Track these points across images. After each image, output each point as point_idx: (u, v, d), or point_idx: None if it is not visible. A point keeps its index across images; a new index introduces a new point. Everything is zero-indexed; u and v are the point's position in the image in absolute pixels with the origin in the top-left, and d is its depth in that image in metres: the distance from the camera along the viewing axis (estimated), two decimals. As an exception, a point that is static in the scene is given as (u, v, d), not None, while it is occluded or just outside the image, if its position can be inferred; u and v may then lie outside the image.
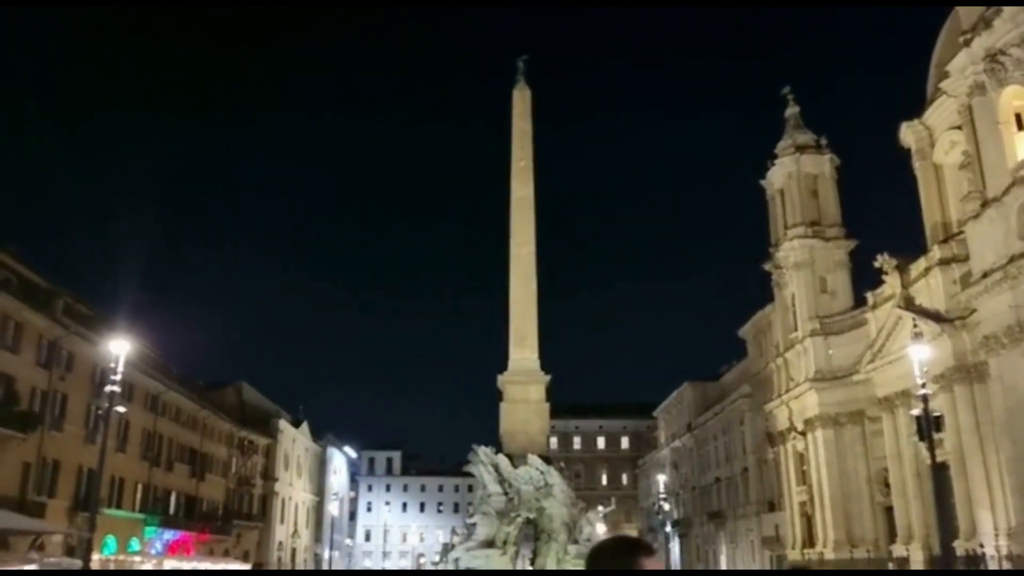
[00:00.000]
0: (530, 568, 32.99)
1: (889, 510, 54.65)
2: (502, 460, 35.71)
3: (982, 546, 42.10)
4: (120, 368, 23.96)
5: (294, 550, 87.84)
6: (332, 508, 74.36)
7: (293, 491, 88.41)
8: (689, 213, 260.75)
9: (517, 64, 44.64)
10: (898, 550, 50.84)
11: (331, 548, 78.36)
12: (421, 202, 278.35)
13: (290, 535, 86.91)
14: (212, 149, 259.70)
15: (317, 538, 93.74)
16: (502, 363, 39.41)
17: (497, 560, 32.37)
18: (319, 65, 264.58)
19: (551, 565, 32.89)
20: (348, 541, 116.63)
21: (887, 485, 54.61)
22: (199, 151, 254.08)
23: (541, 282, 40.85)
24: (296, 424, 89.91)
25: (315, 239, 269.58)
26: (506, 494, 34.65)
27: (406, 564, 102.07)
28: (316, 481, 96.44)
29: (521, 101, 44.03)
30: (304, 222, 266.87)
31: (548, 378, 38.83)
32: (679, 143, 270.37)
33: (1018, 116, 40.50)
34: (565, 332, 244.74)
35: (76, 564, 29.82)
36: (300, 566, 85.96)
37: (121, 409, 24.15)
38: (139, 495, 56.90)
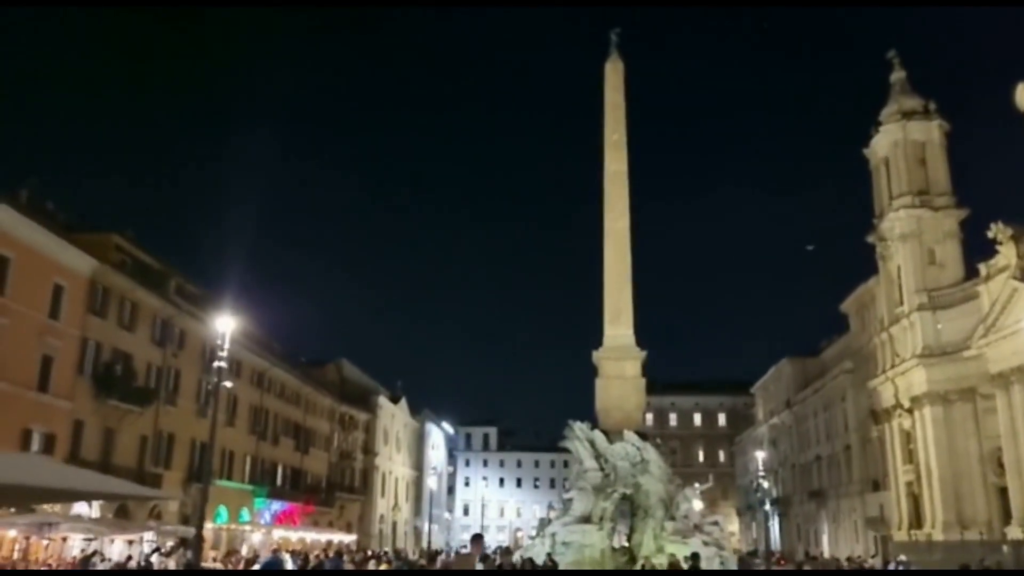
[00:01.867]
0: (625, 544, 33.05)
1: (1003, 491, 52.33)
2: (598, 436, 35.76)
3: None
4: (227, 344, 24.92)
5: (395, 523, 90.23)
6: (431, 482, 76.04)
7: (393, 465, 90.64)
8: (790, 185, 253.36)
9: (610, 37, 44.20)
10: (1013, 532, 48.71)
11: (430, 521, 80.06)
12: (518, 178, 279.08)
13: (391, 508, 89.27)
14: (317, 127, 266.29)
15: (417, 512, 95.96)
16: (598, 339, 39.36)
17: (594, 535, 32.51)
18: (410, 48, 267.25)
19: (648, 541, 32.82)
20: (447, 515, 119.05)
21: (1001, 465, 52.29)
22: (303, 130, 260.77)
23: (636, 257, 40.51)
24: (395, 400, 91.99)
25: (412, 218, 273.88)
26: (602, 470, 34.70)
27: (503, 538, 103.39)
28: (415, 456, 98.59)
29: (614, 74, 43.55)
30: (402, 201, 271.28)
31: (644, 354, 38.59)
32: (779, 119, 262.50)
33: None
34: (661, 308, 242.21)
35: (190, 532, 31.58)
36: (401, 538, 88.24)
37: (229, 384, 25.16)
38: (248, 467, 59.36)
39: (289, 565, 32.65)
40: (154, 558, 34.07)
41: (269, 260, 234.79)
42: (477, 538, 12.44)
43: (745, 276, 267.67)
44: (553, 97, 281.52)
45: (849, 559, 50.39)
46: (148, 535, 40.48)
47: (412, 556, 51.94)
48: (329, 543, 58.09)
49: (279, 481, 64.70)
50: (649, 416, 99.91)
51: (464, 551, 12.72)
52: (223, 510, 54.09)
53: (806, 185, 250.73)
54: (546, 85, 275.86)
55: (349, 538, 68.40)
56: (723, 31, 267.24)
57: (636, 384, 38.27)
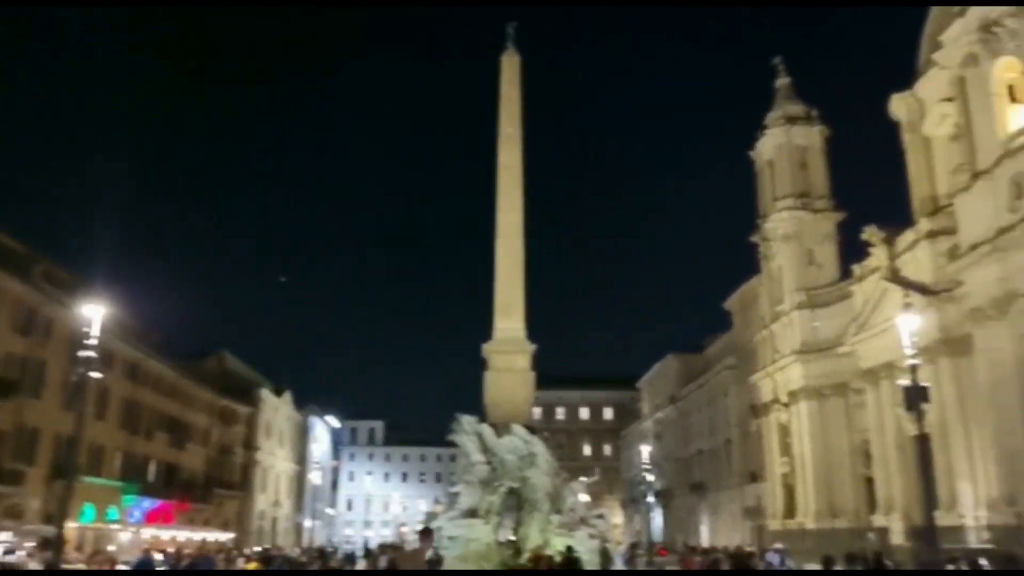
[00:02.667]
0: (512, 538, 32.81)
1: (870, 481, 54.93)
2: (486, 429, 35.45)
3: (962, 517, 42.35)
4: (95, 333, 23.21)
5: (275, 519, 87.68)
6: (314, 477, 74.07)
7: (275, 460, 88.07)
8: (676, 186, 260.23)
9: (507, 31, 43.92)
10: (878, 520, 51.12)
11: (312, 517, 78.16)
12: (407, 170, 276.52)
13: (271, 504, 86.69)
14: (196, 114, 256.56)
15: (299, 508, 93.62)
16: (488, 332, 39.06)
17: (480, 529, 32.17)
18: (295, 26, 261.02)
19: (534, 535, 32.72)
20: (330, 510, 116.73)
21: (868, 457, 54.87)
22: (183, 116, 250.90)
23: (527, 251, 40.42)
24: (278, 393, 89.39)
25: (297, 207, 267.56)
26: (489, 463, 34.41)
27: (388, 534, 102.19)
28: (298, 450, 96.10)
29: (510, 68, 43.31)
30: (287, 189, 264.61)
31: (533, 348, 38.53)
32: (667, 115, 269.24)
33: (1010, 88, 40.11)
34: (551, 303, 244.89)
35: (51, 531, 29.64)
36: (281, 535, 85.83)
37: (97, 375, 23.33)
38: (118, 463, 56.35)
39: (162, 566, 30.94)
40: (12, 558, 31.74)
41: (149, 249, 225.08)
42: (426, 532, 11.73)
43: (633, 273, 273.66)
44: (451, 89, 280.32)
45: (729, 547, 51.71)
46: (3, 535, 37.76)
47: (294, 554, 50.21)
48: (204, 541, 55.74)
49: (152, 477, 61.71)
50: (537, 410, 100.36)
51: (410, 547, 12.08)
52: (89, 508, 51.13)
53: (696, 184, 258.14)
54: (441, 76, 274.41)
55: (226, 536, 65.98)
56: (617, 30, 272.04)
57: (525, 378, 38.17)
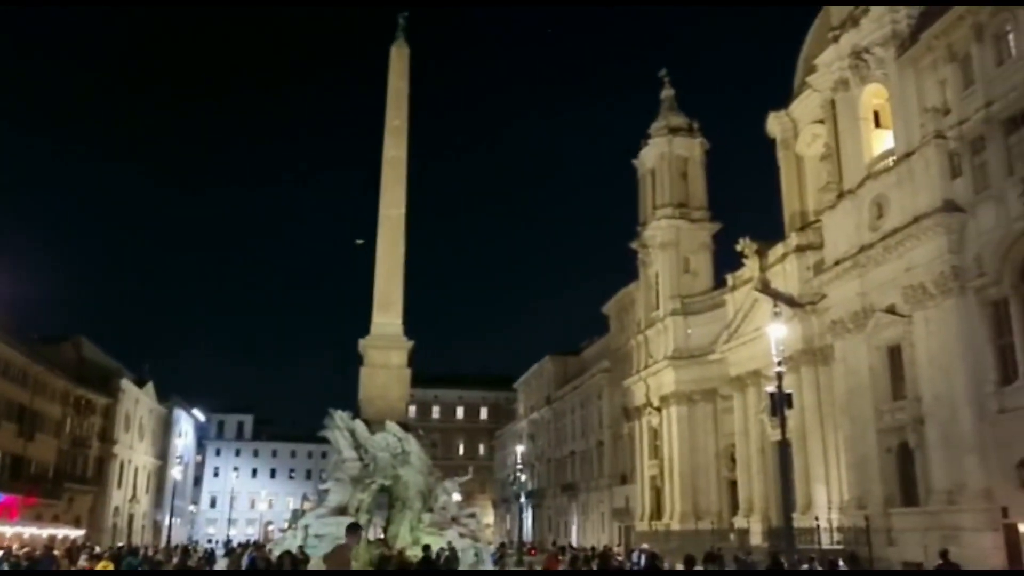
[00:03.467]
0: (382, 536, 32.22)
1: (733, 484, 56.97)
2: (359, 426, 34.68)
3: (816, 519, 44.40)
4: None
5: (132, 516, 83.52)
6: (175, 473, 70.80)
7: (133, 454, 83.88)
8: (560, 190, 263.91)
9: (397, 21, 43.18)
10: (739, 522, 53.06)
11: (172, 515, 74.82)
12: (289, 161, 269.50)
13: (128, 500, 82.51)
14: (59, 87, 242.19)
15: (158, 504, 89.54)
16: (365, 327, 38.28)
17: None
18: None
19: (404, 533, 32.21)
20: (192, 508, 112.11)
21: (733, 460, 56.90)
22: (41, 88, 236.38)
23: (409, 247, 39.84)
24: (140, 384, 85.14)
25: (165, 189, 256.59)
26: (362, 460, 33.66)
27: (253, 532, 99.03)
28: (160, 444, 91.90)
29: (399, 59, 42.63)
30: (161, 183, 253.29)
31: (411, 344, 37.99)
32: (554, 120, 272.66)
33: (876, 114, 42.24)
34: (431, 300, 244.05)
35: None
36: (137, 533, 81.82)
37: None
38: (-44, 454, 52.27)
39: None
40: None
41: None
42: (354, 527, 11.01)
43: (514, 275, 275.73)
44: (338, 78, 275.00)
45: (597, 547, 52.49)
46: None
47: (152, 552, 47.65)
48: (52, 538, 52.35)
49: (-5, 469, 57.59)
50: (412, 408, 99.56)
51: (340, 543, 11.12)
52: (-78, 502, 47.19)
53: (579, 189, 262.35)
54: (335, 60, 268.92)
55: (77, 532, 62.28)
56: (506, 30, 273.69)
57: (401, 374, 37.59)
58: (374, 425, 34.71)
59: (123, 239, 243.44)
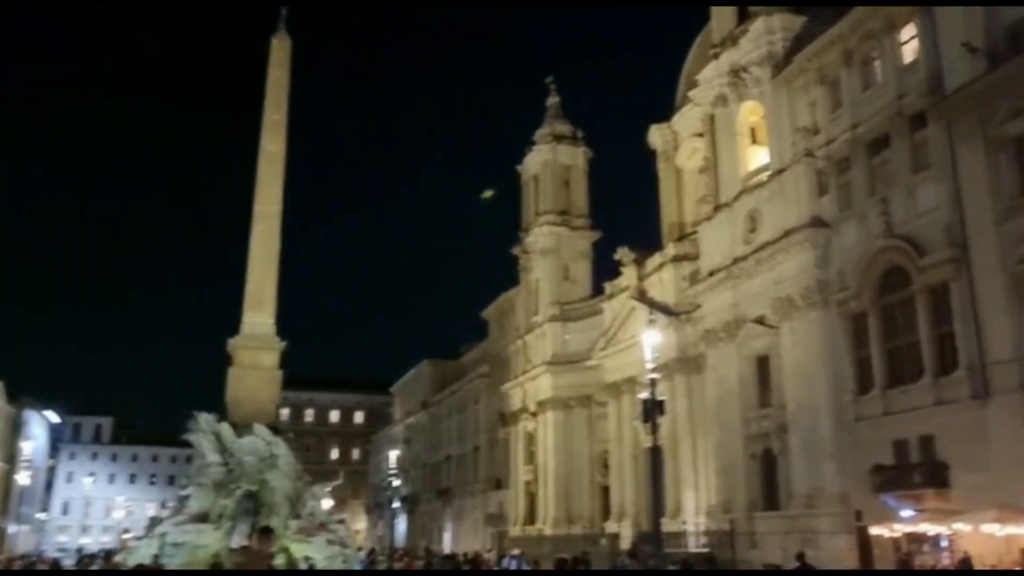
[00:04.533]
0: (246, 544, 30.76)
1: (606, 489, 57.83)
2: (225, 429, 33.06)
3: (685, 523, 45.52)
4: None
5: (-27, 523, 77.49)
6: (22, 478, 66.01)
7: (-23, 457, 77.92)
8: (444, 193, 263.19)
9: (279, 12, 41.71)
10: (611, 527, 53.85)
11: (18, 522, 69.85)
12: (162, 156, 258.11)
13: (-31, 506, 76.54)
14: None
15: (3, 511, 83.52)
16: (235, 327, 36.66)
17: (209, 535, 29.77)
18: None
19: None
20: (41, 515, 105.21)
21: (606, 466, 57.74)
22: None
23: (285, 245, 38.47)
24: (-13, 382, 79.16)
25: (27, 187, 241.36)
26: (226, 464, 32.05)
27: (108, 540, 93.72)
28: (8, 447, 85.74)
29: (280, 50, 41.06)
30: (13, 175, 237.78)
31: (284, 345, 36.60)
32: (440, 123, 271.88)
33: (753, 130, 43.73)
34: (307, 300, 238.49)
35: None
36: (-22, 541, 75.93)
37: None
38: None
39: None
40: None
41: None
42: (266, 531, 9.99)
43: (394, 278, 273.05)
44: (217, 71, 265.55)
45: (468, 553, 52.10)
46: None
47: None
48: None
49: None
50: (285, 411, 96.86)
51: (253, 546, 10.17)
52: None
53: (463, 193, 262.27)
54: (205, 57, 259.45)
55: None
56: (392, 31, 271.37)
57: (272, 376, 36.16)
58: (242, 428, 33.17)
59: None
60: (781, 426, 38.14)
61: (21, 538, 77.37)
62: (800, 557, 25.61)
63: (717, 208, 44.11)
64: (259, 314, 36.80)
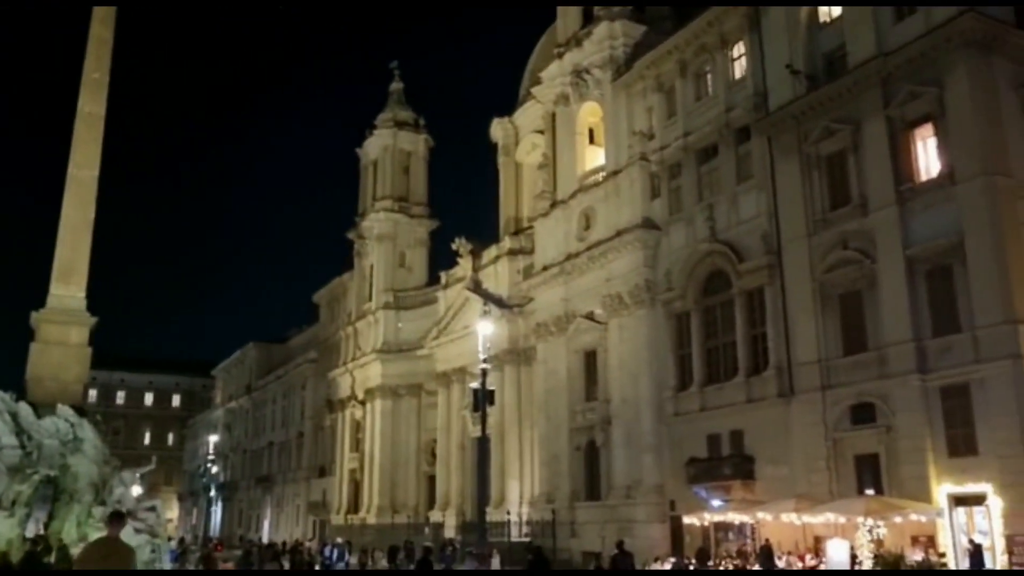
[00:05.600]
0: (42, 533, 28.52)
1: (432, 479, 57.90)
2: (23, 408, 30.42)
3: (508, 513, 46.26)
4: None
5: None
6: None
7: None
8: (278, 173, 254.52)
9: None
10: (435, 516, 53.99)
11: None
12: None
13: None
14: None
15: None
16: (42, 300, 33.89)
17: (2, 523, 27.39)
18: None
19: (71, 528, 28.69)
20: None
21: (433, 455, 57.81)
22: None
23: (100, 212, 35.95)
24: None
25: None
26: (24, 447, 29.53)
27: None
28: None
29: (105, 7, 38.38)
30: None
31: (94, 321, 34.15)
32: (277, 101, 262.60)
33: (591, 131, 44.96)
34: (122, 274, 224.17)
35: None
36: None
37: None
38: None
39: None
40: None
41: None
42: (116, 517, 8.61)
43: (220, 256, 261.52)
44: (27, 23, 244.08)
45: (296, 542, 50.81)
46: None
47: None
48: None
49: None
50: (93, 392, 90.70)
51: (101, 536, 8.39)
52: None
53: (301, 176, 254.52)
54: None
55: None
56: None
57: (81, 353, 33.65)
58: (43, 409, 30.66)
59: None
60: (605, 419, 39.50)
61: None
62: (619, 545, 26.61)
63: (554, 205, 45.04)
64: (69, 286, 34.16)
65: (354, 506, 63.24)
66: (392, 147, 66.09)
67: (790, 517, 27.39)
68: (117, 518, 8.82)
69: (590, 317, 41.24)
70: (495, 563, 28.63)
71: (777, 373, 31.19)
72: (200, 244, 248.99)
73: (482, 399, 30.43)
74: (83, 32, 37.83)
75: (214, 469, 61.93)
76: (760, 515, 28.69)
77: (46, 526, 29.27)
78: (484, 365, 30.00)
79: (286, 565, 30.30)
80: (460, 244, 55.87)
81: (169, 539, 37.60)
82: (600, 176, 42.24)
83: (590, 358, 41.53)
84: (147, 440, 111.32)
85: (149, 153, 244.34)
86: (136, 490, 34.18)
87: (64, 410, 30.78)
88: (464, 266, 55.40)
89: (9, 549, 26.95)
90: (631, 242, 38.41)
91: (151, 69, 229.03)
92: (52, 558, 25.97)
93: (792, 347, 30.85)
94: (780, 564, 27.41)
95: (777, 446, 30.82)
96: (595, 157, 43.91)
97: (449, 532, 50.18)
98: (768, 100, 33.04)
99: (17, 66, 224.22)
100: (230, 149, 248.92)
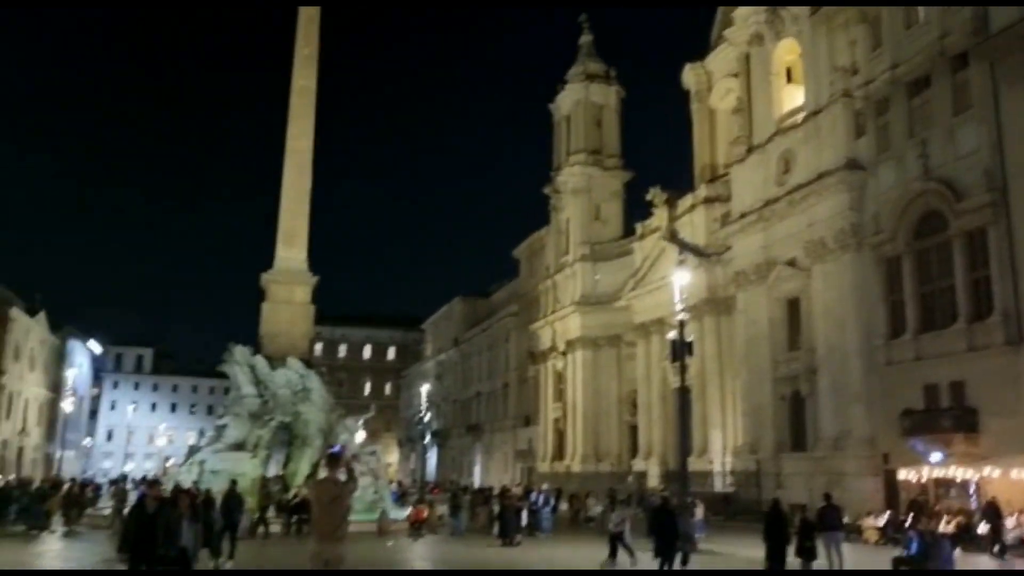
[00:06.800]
0: (281, 473, 31.83)
1: (634, 428, 58.50)
2: (260, 361, 34.02)
3: (711, 462, 46.07)
4: None
5: (21, 448, 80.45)
6: (67, 405, 68.36)
7: (24, 385, 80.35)
8: (476, 130, 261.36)
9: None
10: (638, 464, 54.64)
11: (63, 448, 72.40)
12: (196, 90, 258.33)
13: (17, 433, 79.33)
14: None
15: (51, 437, 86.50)
16: (269, 262, 37.34)
17: (246, 463, 30.88)
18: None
19: (304, 470, 31.89)
20: (87, 441, 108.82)
21: (634, 405, 58.31)
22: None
23: (316, 180, 38.87)
24: (31, 313, 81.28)
25: (70, 119, 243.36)
26: (261, 396, 33.07)
27: (152, 466, 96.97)
28: (52, 376, 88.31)
29: (311, -10, 40.96)
30: (59, 99, 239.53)
31: (316, 280, 37.29)
32: (473, 59, 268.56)
33: (789, 70, 42.85)
34: (340, 236, 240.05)
35: None
36: (28, 466, 78.96)
37: None
38: None
39: None
40: None
41: None
42: (333, 458, 10.01)
43: (427, 215, 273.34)
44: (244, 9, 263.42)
45: (503, 488, 53.27)
46: None
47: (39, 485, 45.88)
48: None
49: None
50: (319, 346, 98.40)
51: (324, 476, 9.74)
52: None
53: (496, 131, 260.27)
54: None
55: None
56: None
57: (305, 311, 36.96)
58: (275, 361, 34.08)
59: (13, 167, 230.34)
60: (810, 368, 38.18)
61: (67, 463, 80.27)
62: (827, 497, 25.86)
63: (750, 149, 43.53)
64: (292, 249, 37.46)
65: (559, 453, 65.13)
66: (583, 100, 66.10)
67: (1020, 474, 25.51)
68: (334, 459, 9.81)
69: (792, 264, 39.78)
70: (699, 512, 28.64)
71: (1004, 319, 28.76)
72: (409, 206, 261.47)
73: (680, 350, 30.33)
74: (293, 12, 40.90)
75: (427, 417, 65.81)
76: (986, 471, 26.89)
77: (284, 466, 32.68)
78: (681, 316, 29.88)
79: (495, 509, 31.86)
80: (655, 194, 55.36)
81: (390, 482, 40.75)
82: (799, 117, 40.27)
83: (792, 306, 40.15)
84: (367, 391, 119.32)
85: (358, 120, 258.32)
86: (359, 436, 37.34)
87: (294, 363, 34.02)
88: (659, 216, 54.89)
89: (254, 486, 30.37)
90: (834, 184, 36.49)
91: (349, 41, 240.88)
92: (290, 495, 29.05)
93: (1020, 291, 28.34)
94: (1009, 523, 25.69)
95: (1004, 397, 28.51)
96: (793, 98, 41.88)
97: (652, 481, 50.71)
98: (989, 22, 30.06)
99: (238, 44, 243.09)
100: (431, 111, 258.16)
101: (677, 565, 16.17)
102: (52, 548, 23.54)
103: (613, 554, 20.51)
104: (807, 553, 18.16)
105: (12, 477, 53.07)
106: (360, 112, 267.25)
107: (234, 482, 23.19)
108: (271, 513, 27.94)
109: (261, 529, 25.85)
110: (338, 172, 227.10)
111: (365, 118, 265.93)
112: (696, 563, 18.55)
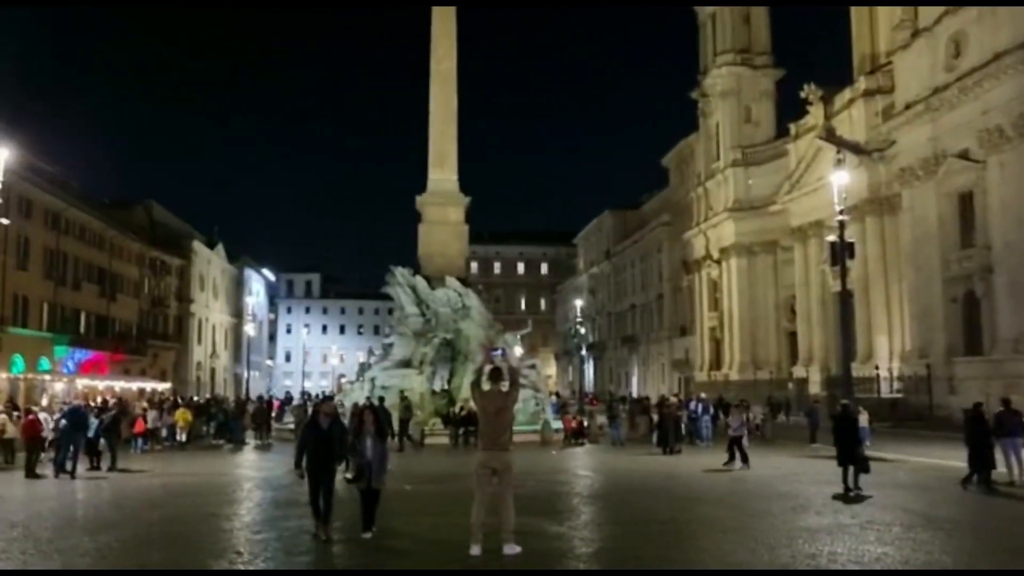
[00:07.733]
0: (446, 388, 33.47)
1: (792, 335, 57.20)
2: (420, 282, 35.47)
3: (877, 368, 44.57)
4: (-1, 176, 21.80)
5: (213, 370, 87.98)
6: (249, 329, 73.92)
7: (210, 312, 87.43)
8: (618, 38, 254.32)
9: None
10: (798, 372, 53.56)
11: (249, 368, 78.67)
12: (340, 19, 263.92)
13: (208, 356, 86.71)
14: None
15: (237, 359, 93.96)
16: (422, 184, 38.47)
17: (414, 379, 32.65)
18: None
19: (466, 385, 33.31)
20: (268, 362, 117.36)
21: (793, 312, 56.87)
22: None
23: (462, 102, 39.39)
24: (211, 245, 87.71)
25: (227, 58, 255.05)
26: (423, 315, 34.60)
27: (327, 384, 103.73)
28: (234, 303, 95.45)
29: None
30: (217, 38, 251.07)
31: (468, 200, 38.15)
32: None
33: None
34: (488, 155, 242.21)
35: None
36: (220, 386, 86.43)
37: (5, 222, 22.15)
38: (45, 314, 55.12)
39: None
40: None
41: (63, 91, 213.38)
42: (496, 371, 9.92)
43: (572, 129, 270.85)
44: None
45: (661, 397, 53.84)
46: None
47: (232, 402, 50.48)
48: (142, 392, 55.72)
49: (83, 329, 60.70)
50: (474, 265, 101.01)
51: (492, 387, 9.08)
52: (19, 359, 50.28)
53: (638, 37, 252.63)
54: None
55: (164, 386, 66.09)
56: None
57: (459, 230, 37.98)
58: (434, 281, 35.43)
59: (176, 108, 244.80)
60: (985, 267, 36.01)
61: (254, 383, 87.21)
62: (1006, 402, 24.70)
63: (915, 34, 40.47)
64: (443, 171, 38.43)
65: (716, 363, 64.75)
66: (730, -4, 62.99)
67: None
68: (496, 372, 10.32)
69: (964, 156, 37.18)
70: (863, 420, 27.98)
71: None
72: (556, 121, 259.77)
73: (841, 252, 29.29)
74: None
75: (582, 331, 66.72)
76: None
77: (448, 381, 34.34)
78: (841, 217, 28.77)
79: (655, 418, 32.38)
80: (809, 91, 52.63)
81: (549, 394, 41.95)
82: (972, -7, 36.97)
83: (965, 201, 37.69)
84: (522, 306, 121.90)
85: (502, 38, 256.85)
86: (518, 350, 38.50)
87: (452, 282, 35.31)
88: (815, 114, 52.24)
89: (423, 400, 32.18)
90: (1014, 65, 33.54)
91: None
92: (456, 408, 30.61)
93: None
94: None
95: None
96: (965, -29, 38.36)
97: (814, 388, 49.71)
98: None
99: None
100: (574, 21, 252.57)
101: (850, 477, 15.94)
102: (249, 458, 26.12)
103: (732, 459, 20.97)
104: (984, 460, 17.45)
105: (209, 396, 58.51)
106: (503, 28, 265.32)
107: (404, 396, 24.70)
108: (438, 425, 29.61)
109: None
110: (486, 91, 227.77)
111: (507, 34, 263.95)
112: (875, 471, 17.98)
